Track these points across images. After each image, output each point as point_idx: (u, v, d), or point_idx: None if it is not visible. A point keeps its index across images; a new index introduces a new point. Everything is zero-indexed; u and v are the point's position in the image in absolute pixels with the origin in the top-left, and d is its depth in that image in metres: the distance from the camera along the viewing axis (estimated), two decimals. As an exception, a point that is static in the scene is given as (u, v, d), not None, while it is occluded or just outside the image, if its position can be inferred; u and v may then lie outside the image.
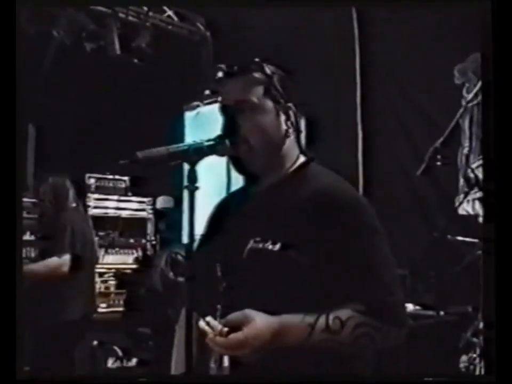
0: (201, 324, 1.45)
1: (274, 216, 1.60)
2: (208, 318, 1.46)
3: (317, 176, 1.66)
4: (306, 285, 1.52)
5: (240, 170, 1.69)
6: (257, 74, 1.67)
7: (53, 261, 3.82)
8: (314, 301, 1.51)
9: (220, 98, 1.72)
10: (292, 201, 1.61)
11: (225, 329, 1.43)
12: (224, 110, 1.69)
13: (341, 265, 1.52)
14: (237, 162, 1.67)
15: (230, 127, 1.64)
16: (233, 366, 1.49)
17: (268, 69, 1.67)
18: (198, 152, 1.54)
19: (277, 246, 1.54)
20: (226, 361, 1.50)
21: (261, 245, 1.56)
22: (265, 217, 1.62)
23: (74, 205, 4.04)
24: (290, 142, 1.69)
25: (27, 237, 4.64)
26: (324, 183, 1.62)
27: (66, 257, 3.83)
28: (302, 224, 1.54)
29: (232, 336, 1.42)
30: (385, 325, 1.51)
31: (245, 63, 1.70)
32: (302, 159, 1.71)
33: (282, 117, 1.66)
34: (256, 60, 1.70)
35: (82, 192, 4.78)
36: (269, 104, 1.65)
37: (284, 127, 1.67)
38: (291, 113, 1.67)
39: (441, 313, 3.48)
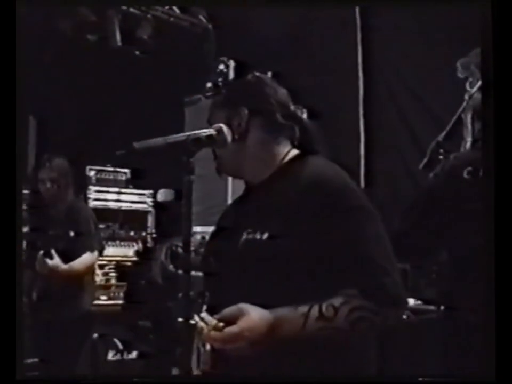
0: (196, 319, 1.46)
1: (266, 208, 1.61)
2: (203, 314, 1.47)
3: (306, 166, 1.65)
4: (300, 273, 1.52)
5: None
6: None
7: (87, 257, 3.74)
8: (309, 290, 1.51)
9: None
10: (283, 192, 1.61)
11: (221, 324, 1.44)
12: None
13: (331, 250, 1.51)
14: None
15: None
16: (216, 360, 1.49)
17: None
18: (196, 142, 1.54)
19: (265, 235, 1.54)
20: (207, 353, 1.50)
21: (251, 236, 1.56)
22: (258, 210, 1.63)
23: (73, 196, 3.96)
24: (277, 141, 1.71)
25: (26, 229, 4.61)
26: (311, 171, 1.62)
27: (96, 253, 3.82)
28: (292, 213, 1.54)
29: (227, 329, 1.43)
30: (382, 306, 1.49)
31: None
32: (293, 152, 1.72)
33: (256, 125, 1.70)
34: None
35: (83, 183, 4.75)
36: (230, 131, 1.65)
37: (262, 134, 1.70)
38: (242, 116, 1.70)
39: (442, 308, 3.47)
